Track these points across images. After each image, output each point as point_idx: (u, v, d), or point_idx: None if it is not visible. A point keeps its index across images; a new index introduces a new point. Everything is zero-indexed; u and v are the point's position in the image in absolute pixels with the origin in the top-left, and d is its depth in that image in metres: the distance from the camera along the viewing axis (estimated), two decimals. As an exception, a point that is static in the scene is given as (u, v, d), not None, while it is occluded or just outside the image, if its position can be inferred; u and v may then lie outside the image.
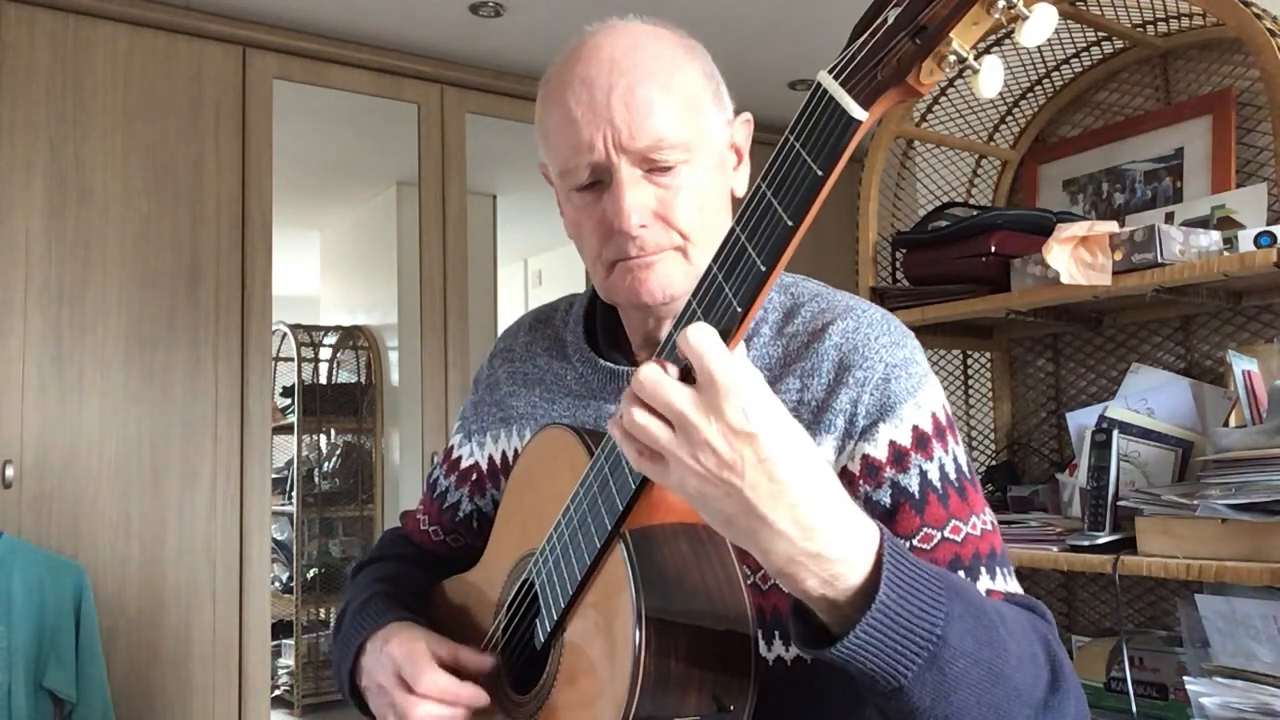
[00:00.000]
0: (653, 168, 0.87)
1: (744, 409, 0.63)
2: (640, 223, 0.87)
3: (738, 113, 0.97)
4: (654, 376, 0.65)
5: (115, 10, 2.60)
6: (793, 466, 0.64)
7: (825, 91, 0.63)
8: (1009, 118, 2.16)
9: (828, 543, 0.64)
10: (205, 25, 2.72)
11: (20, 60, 2.48)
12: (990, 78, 0.61)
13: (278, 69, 2.85)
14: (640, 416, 0.65)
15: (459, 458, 1.12)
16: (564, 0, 2.68)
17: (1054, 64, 2.06)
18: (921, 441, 0.85)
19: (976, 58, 0.61)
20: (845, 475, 0.86)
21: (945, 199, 2.16)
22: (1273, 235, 1.45)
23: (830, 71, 0.63)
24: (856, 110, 0.62)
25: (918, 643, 0.65)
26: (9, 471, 2.38)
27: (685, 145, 0.87)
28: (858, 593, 0.65)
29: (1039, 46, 1.99)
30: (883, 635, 0.64)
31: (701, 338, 0.64)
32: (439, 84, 3.13)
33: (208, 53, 2.74)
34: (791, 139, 0.65)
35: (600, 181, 0.89)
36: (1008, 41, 1.78)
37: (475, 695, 0.87)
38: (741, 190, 0.95)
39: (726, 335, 0.67)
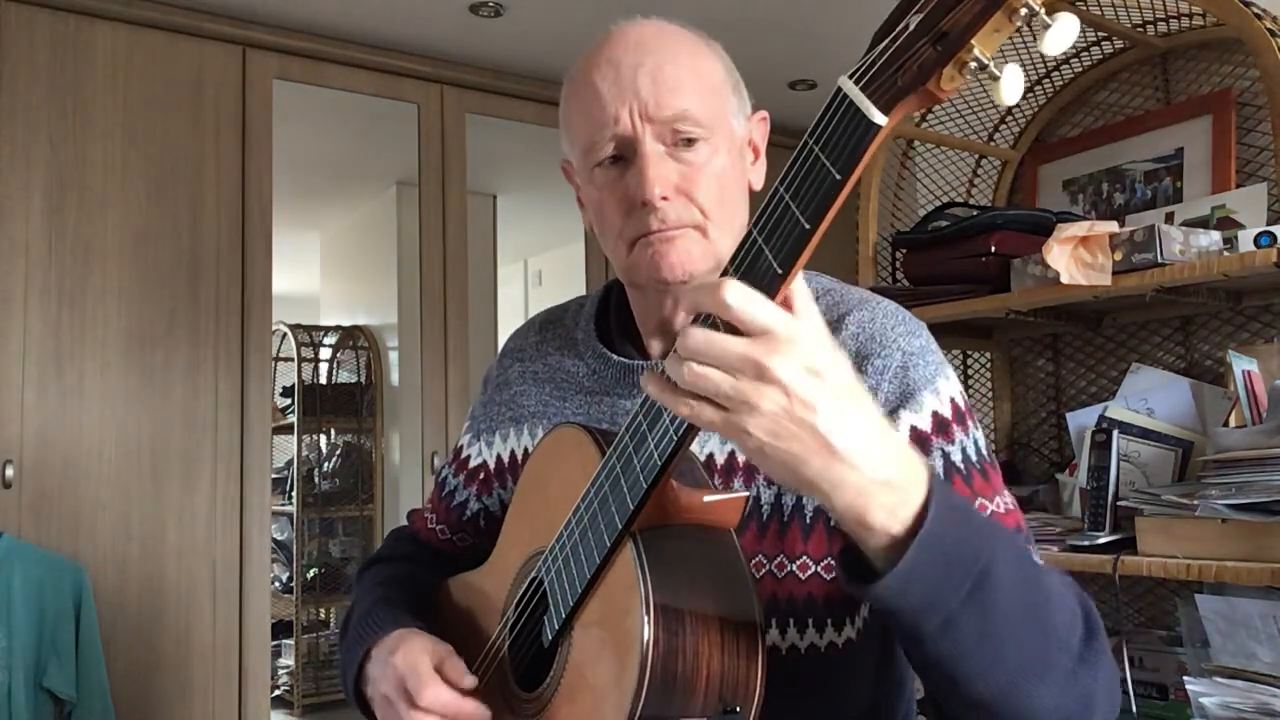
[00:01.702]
0: (676, 142, 0.90)
1: (811, 347, 0.63)
2: (663, 194, 0.89)
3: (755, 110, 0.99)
4: (706, 333, 0.64)
5: (115, 10, 2.60)
6: (857, 399, 0.65)
7: (845, 96, 0.64)
8: (1009, 118, 2.16)
9: (895, 470, 0.65)
10: (205, 25, 2.72)
11: (20, 60, 2.48)
12: (1011, 85, 0.61)
13: (278, 69, 2.85)
14: (698, 369, 0.63)
15: (467, 457, 1.13)
16: (564, 0, 2.68)
17: (1054, 64, 2.06)
18: (942, 426, 0.87)
19: (997, 65, 0.61)
20: None
21: (945, 199, 2.16)
22: (1273, 235, 1.45)
23: (851, 76, 0.64)
24: (877, 115, 0.62)
25: (964, 567, 0.66)
26: (9, 471, 2.38)
27: (708, 124, 0.90)
28: (915, 521, 0.65)
29: (1039, 46, 1.99)
30: (931, 559, 0.65)
31: (738, 295, 0.63)
32: (439, 84, 3.13)
33: (208, 53, 2.74)
34: (810, 143, 0.65)
35: (623, 158, 0.91)
36: (1007, 41, 1.78)
37: (476, 711, 0.87)
38: (758, 184, 0.97)
39: None
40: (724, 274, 0.69)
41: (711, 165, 0.91)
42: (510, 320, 3.71)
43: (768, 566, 0.88)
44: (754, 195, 0.97)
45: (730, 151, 0.93)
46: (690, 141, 0.90)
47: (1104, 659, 0.76)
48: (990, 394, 2.20)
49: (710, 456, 0.91)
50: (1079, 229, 1.58)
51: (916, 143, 2.14)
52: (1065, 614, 0.74)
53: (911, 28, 0.61)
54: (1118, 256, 1.55)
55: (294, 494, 3.97)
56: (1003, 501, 0.87)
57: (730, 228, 0.92)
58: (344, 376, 4.09)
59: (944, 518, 0.66)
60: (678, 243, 0.90)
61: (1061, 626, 0.73)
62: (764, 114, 0.98)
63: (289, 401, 4.07)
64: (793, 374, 0.62)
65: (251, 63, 2.81)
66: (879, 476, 0.64)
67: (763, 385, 0.62)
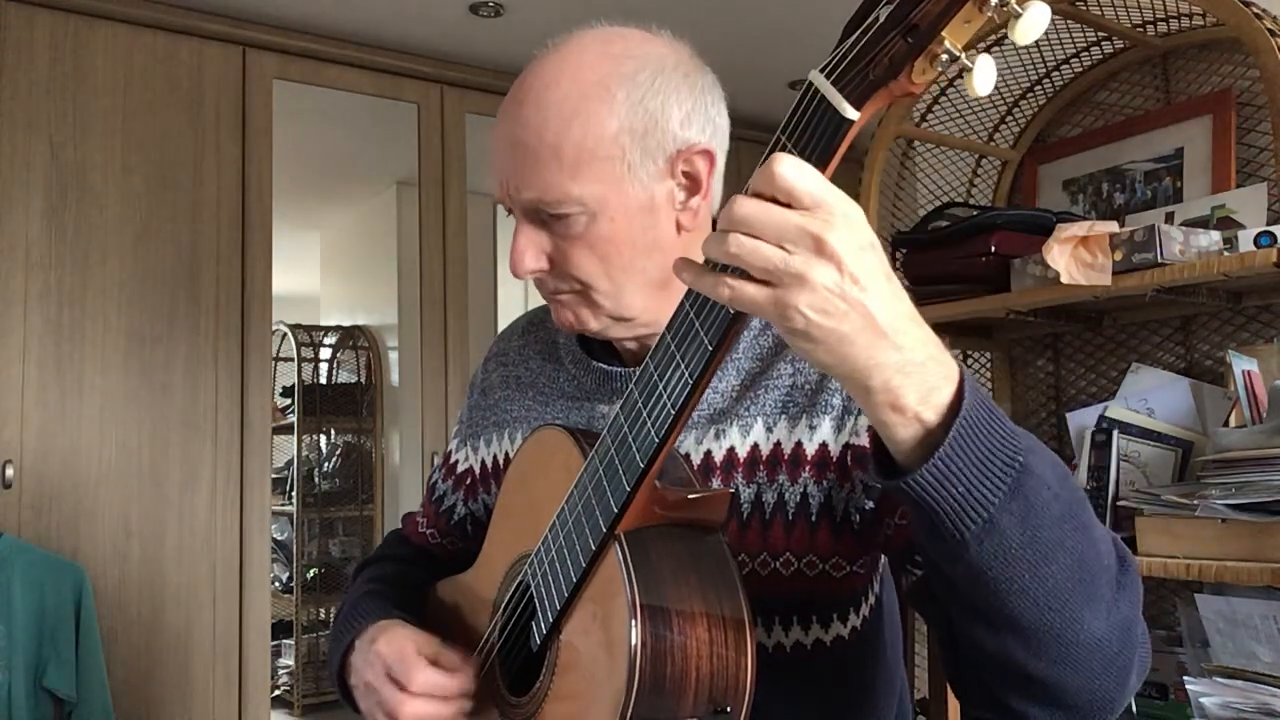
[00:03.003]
0: (547, 216, 0.87)
1: (861, 223, 0.61)
2: (531, 268, 0.89)
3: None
4: (759, 202, 0.61)
5: (115, 10, 2.60)
6: (895, 280, 0.63)
7: (817, 91, 0.62)
8: (1009, 118, 2.15)
9: (930, 353, 0.64)
10: (205, 25, 2.72)
11: (20, 60, 2.48)
12: (983, 76, 0.60)
13: (278, 69, 2.85)
14: (748, 241, 0.61)
15: (455, 462, 1.13)
16: (564, 0, 2.68)
17: (1054, 64, 2.06)
18: None
19: (969, 56, 0.60)
20: (852, 451, 0.86)
21: (945, 199, 2.15)
22: (1273, 235, 1.45)
23: (822, 70, 0.62)
24: (848, 110, 0.61)
25: (1004, 460, 0.64)
26: (9, 471, 2.38)
27: (577, 200, 0.85)
28: (948, 412, 0.64)
29: (1039, 46, 1.99)
30: (971, 448, 0.63)
31: (792, 167, 0.61)
32: (439, 84, 3.13)
33: (208, 53, 2.74)
34: (783, 138, 0.64)
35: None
36: (1008, 40, 1.78)
37: (464, 684, 0.87)
38: (691, 222, 0.90)
39: (721, 333, 0.67)
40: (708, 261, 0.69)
41: (587, 235, 0.86)
42: (510, 320, 3.70)
43: (751, 565, 0.88)
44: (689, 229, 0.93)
45: (620, 214, 0.86)
46: (561, 215, 0.86)
47: (1137, 586, 0.73)
48: (990, 394, 2.19)
49: (686, 457, 0.91)
50: (1079, 229, 1.58)
51: (916, 143, 2.14)
52: (1100, 530, 0.71)
53: (881, 20, 0.60)
54: (1118, 256, 1.55)
55: (294, 494, 3.97)
56: None
57: (625, 286, 0.89)
58: (344, 376, 4.09)
59: (979, 406, 0.64)
60: (564, 306, 0.91)
61: (1100, 540, 0.70)
62: (704, 147, 0.89)
63: (289, 401, 4.07)
64: (849, 248, 0.60)
65: (251, 63, 2.81)
66: (917, 357, 0.63)
67: (817, 259, 0.60)
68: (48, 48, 2.52)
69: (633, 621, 0.71)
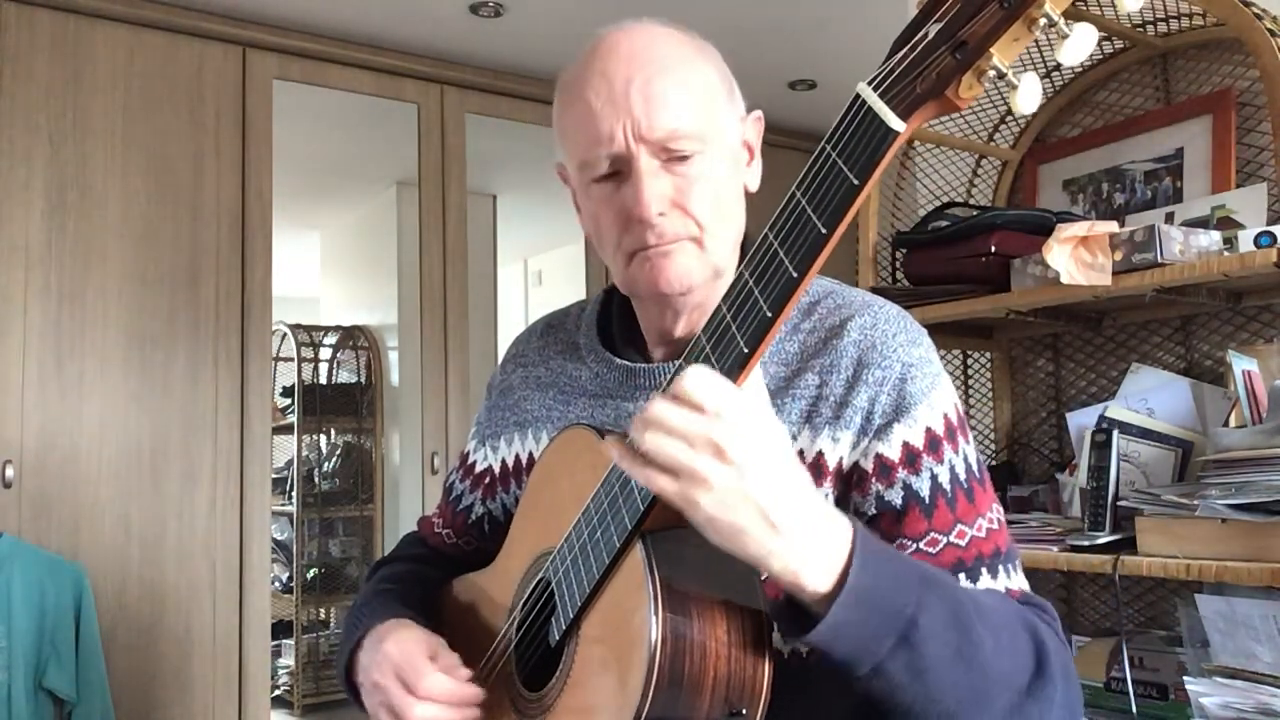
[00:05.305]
0: (670, 157, 0.89)
1: (762, 426, 0.69)
2: (659, 210, 0.88)
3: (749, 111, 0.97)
4: (669, 407, 0.69)
5: (115, 10, 2.60)
6: (793, 472, 0.70)
7: (864, 103, 0.65)
8: (1009, 118, 2.15)
9: (823, 536, 0.70)
10: (205, 25, 2.72)
11: (20, 60, 2.48)
12: (1028, 94, 0.63)
13: (278, 69, 2.86)
14: (659, 442, 0.68)
15: (474, 462, 1.13)
16: (564, 0, 2.68)
17: (1054, 64, 2.06)
18: (933, 444, 0.87)
19: (1016, 74, 0.62)
20: (858, 472, 0.88)
21: (945, 199, 2.15)
22: (1273, 235, 1.45)
23: (869, 83, 0.65)
24: (895, 122, 0.64)
25: (889, 619, 0.70)
26: (9, 471, 2.38)
27: (700, 136, 0.89)
28: (840, 579, 0.70)
29: (1039, 46, 1.99)
30: (855, 615, 0.70)
31: (697, 380, 0.69)
32: (439, 84, 3.13)
33: (208, 53, 2.74)
34: (828, 148, 0.67)
35: (619, 172, 0.90)
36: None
37: (474, 694, 0.88)
38: (754, 186, 0.96)
39: (757, 339, 0.70)
40: (739, 278, 0.72)
41: (706, 177, 0.89)
42: (510, 320, 3.71)
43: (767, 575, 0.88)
44: (751, 196, 0.97)
45: (724, 159, 0.92)
46: (684, 156, 0.89)
47: (1053, 689, 0.78)
48: (990, 394, 2.19)
49: None
50: (1079, 229, 1.58)
51: (916, 143, 2.14)
52: (1007, 658, 0.76)
53: (930, 36, 0.62)
54: (1118, 256, 1.55)
55: (294, 494, 3.97)
56: (984, 523, 0.87)
57: (726, 235, 0.92)
58: (344, 376, 4.09)
59: (866, 577, 0.70)
60: (675, 256, 0.90)
61: (1002, 669, 0.76)
62: (758, 114, 0.96)
63: (289, 401, 4.08)
64: (745, 454, 0.67)
65: (251, 63, 2.81)
66: (810, 544, 0.69)
67: (718, 463, 0.67)
68: (48, 48, 2.52)
69: (654, 618, 0.71)
